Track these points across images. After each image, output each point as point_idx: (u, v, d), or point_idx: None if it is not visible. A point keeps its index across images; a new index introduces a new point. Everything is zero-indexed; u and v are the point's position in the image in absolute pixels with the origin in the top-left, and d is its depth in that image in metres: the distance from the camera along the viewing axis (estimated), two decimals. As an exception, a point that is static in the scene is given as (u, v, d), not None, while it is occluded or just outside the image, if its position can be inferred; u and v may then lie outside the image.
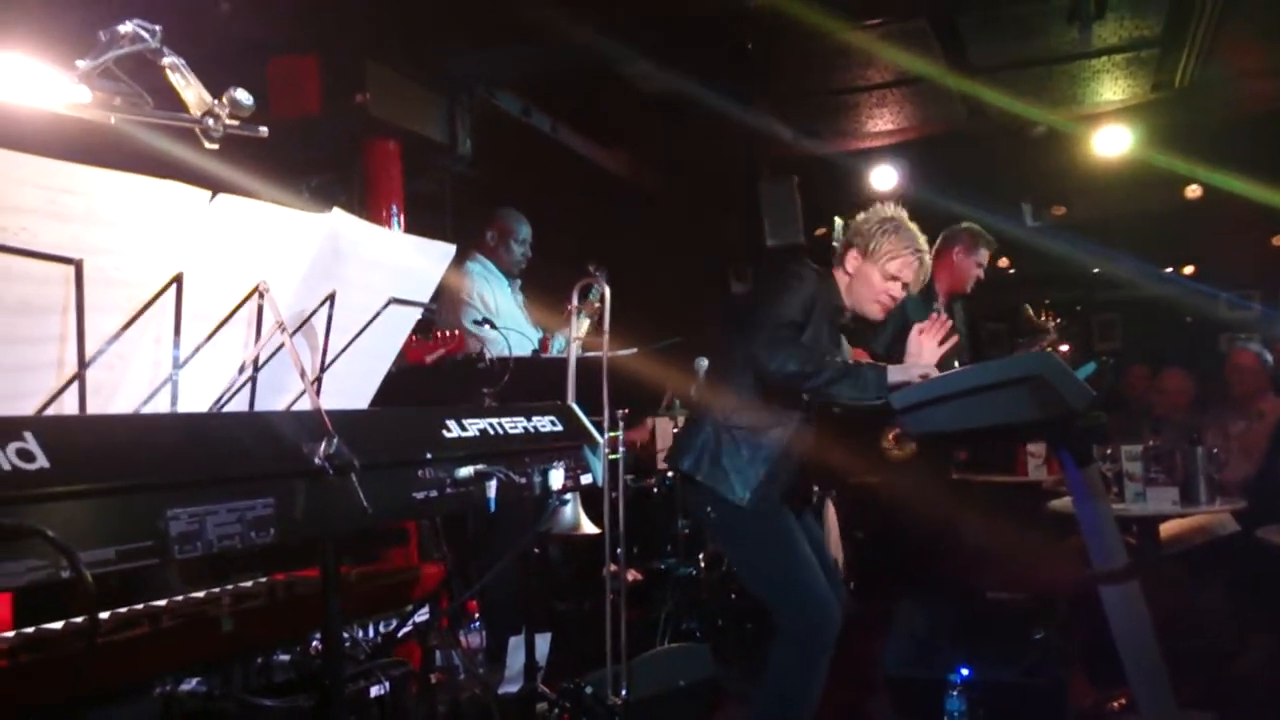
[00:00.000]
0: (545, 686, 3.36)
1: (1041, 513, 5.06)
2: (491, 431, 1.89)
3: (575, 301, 3.47)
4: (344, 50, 4.71)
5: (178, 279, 1.57)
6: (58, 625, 1.61)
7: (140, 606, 1.73)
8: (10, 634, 1.59)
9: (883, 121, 7.07)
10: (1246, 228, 8.79)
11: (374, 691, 1.87)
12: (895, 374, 3.09)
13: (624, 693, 3.35)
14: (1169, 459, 4.40)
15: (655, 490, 5.39)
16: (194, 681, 1.57)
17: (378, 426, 1.70)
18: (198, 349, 1.65)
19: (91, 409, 1.49)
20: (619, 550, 3.54)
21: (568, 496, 3.71)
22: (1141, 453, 4.41)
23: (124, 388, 1.59)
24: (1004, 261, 11.15)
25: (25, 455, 1.16)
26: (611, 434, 3.66)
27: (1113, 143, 6.97)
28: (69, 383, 1.46)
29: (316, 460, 1.46)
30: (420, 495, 1.66)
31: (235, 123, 1.55)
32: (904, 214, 3.40)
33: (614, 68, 5.67)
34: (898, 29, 5.39)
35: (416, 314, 2.00)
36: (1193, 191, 8.18)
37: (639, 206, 7.73)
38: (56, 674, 1.41)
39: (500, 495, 1.79)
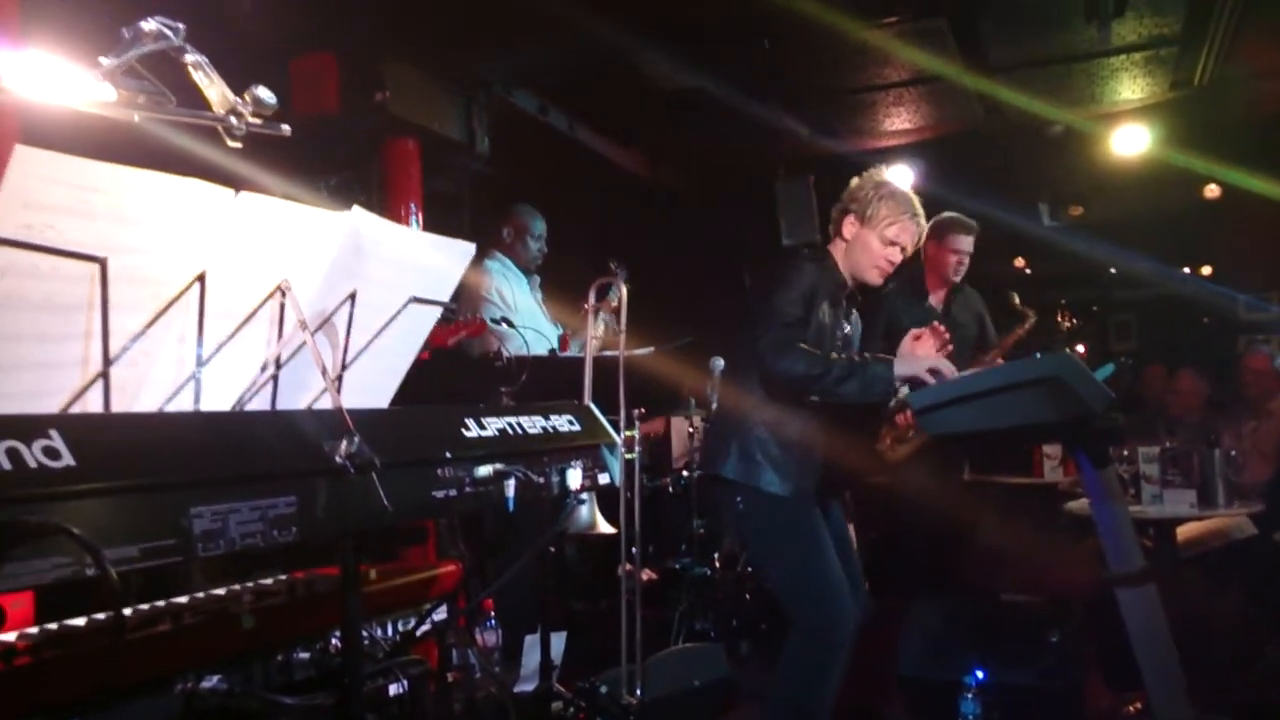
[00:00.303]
0: (560, 685, 3.37)
1: (1058, 514, 5.04)
2: (510, 431, 1.89)
3: (593, 300, 3.47)
4: (363, 49, 4.72)
5: (201, 277, 1.58)
6: (81, 621, 1.61)
7: (162, 603, 1.74)
8: (34, 630, 1.59)
9: (899, 120, 7.04)
10: (1265, 228, 8.72)
11: (392, 690, 1.88)
12: (901, 367, 3.07)
13: (639, 692, 3.35)
14: (1186, 461, 4.38)
15: (671, 490, 5.39)
16: (215, 678, 1.58)
17: (398, 425, 1.70)
18: (220, 347, 1.65)
19: (115, 407, 1.50)
20: (634, 550, 3.54)
21: (585, 496, 3.72)
22: (1158, 455, 4.39)
23: (147, 385, 1.59)
24: (1020, 261, 11.13)
25: (51, 453, 1.17)
26: (628, 433, 3.66)
27: (1131, 142, 6.93)
28: (93, 380, 1.47)
29: (338, 459, 1.46)
30: (440, 494, 1.67)
31: (258, 121, 1.55)
32: (890, 177, 3.41)
33: (631, 66, 5.67)
34: (915, 27, 5.37)
35: (436, 313, 2.00)
36: (1211, 191, 8.13)
37: (655, 205, 7.72)
38: (80, 670, 1.42)
39: (519, 494, 1.79)
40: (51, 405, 1.45)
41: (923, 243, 4.64)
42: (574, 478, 1.99)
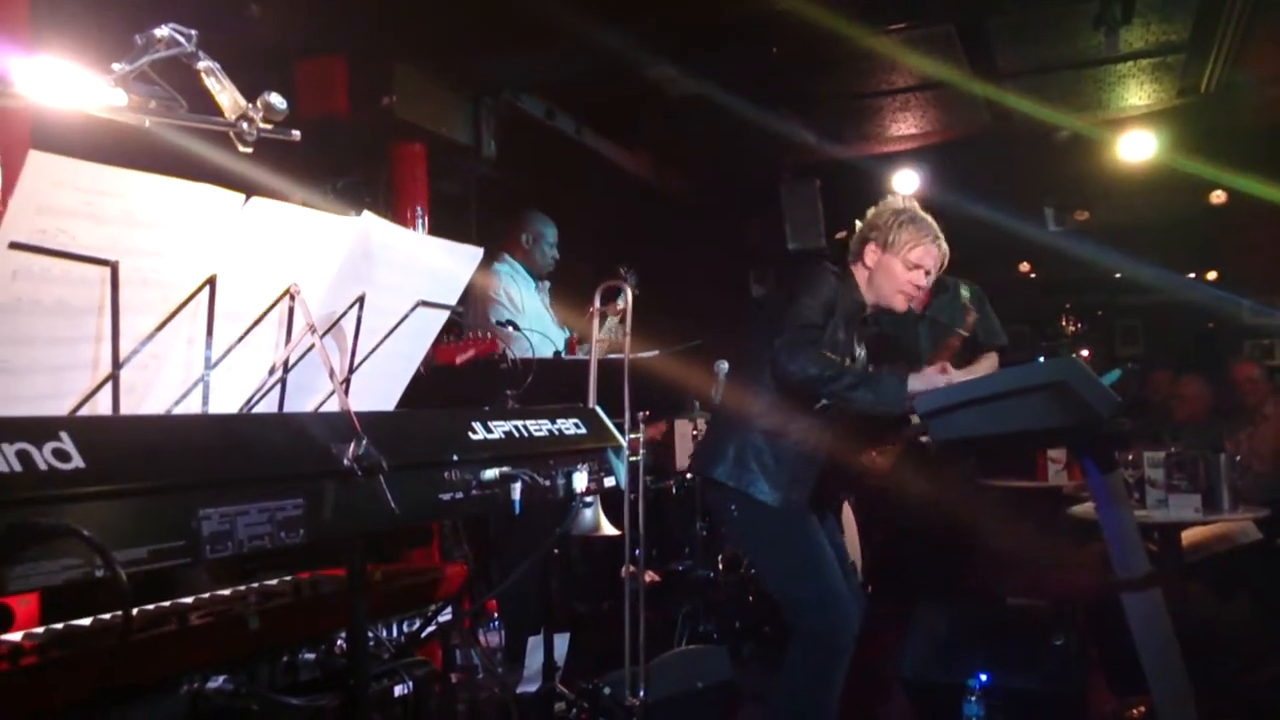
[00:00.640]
0: (563, 686, 3.37)
1: (1062, 518, 5.04)
2: (517, 434, 1.90)
3: (599, 304, 3.48)
4: (371, 53, 4.74)
5: (211, 281, 1.59)
6: (86, 622, 1.62)
7: (168, 604, 1.75)
8: (40, 630, 1.60)
9: (906, 125, 7.05)
10: (1271, 234, 8.73)
11: (398, 691, 1.88)
12: (916, 383, 3.08)
13: (641, 693, 3.35)
14: (1191, 466, 4.38)
15: (674, 492, 5.39)
16: (221, 679, 1.58)
17: (405, 428, 1.71)
18: (229, 350, 1.66)
19: (125, 409, 1.51)
20: (638, 552, 3.54)
21: (590, 498, 3.73)
22: (1163, 459, 4.39)
23: (156, 388, 1.60)
24: (1025, 266, 11.14)
25: (61, 455, 1.18)
26: (632, 436, 3.66)
27: (1137, 148, 6.93)
28: (103, 383, 1.48)
29: (345, 461, 1.47)
30: (447, 497, 1.67)
31: (269, 126, 1.57)
32: (915, 204, 3.38)
33: (638, 71, 5.68)
34: (922, 34, 5.38)
35: (444, 316, 2.01)
36: (1217, 197, 8.13)
37: (661, 209, 7.73)
38: (86, 671, 1.43)
39: (525, 497, 1.80)
40: (62, 408, 1.46)
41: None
42: (580, 480, 1.99)
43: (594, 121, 6.52)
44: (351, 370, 1.85)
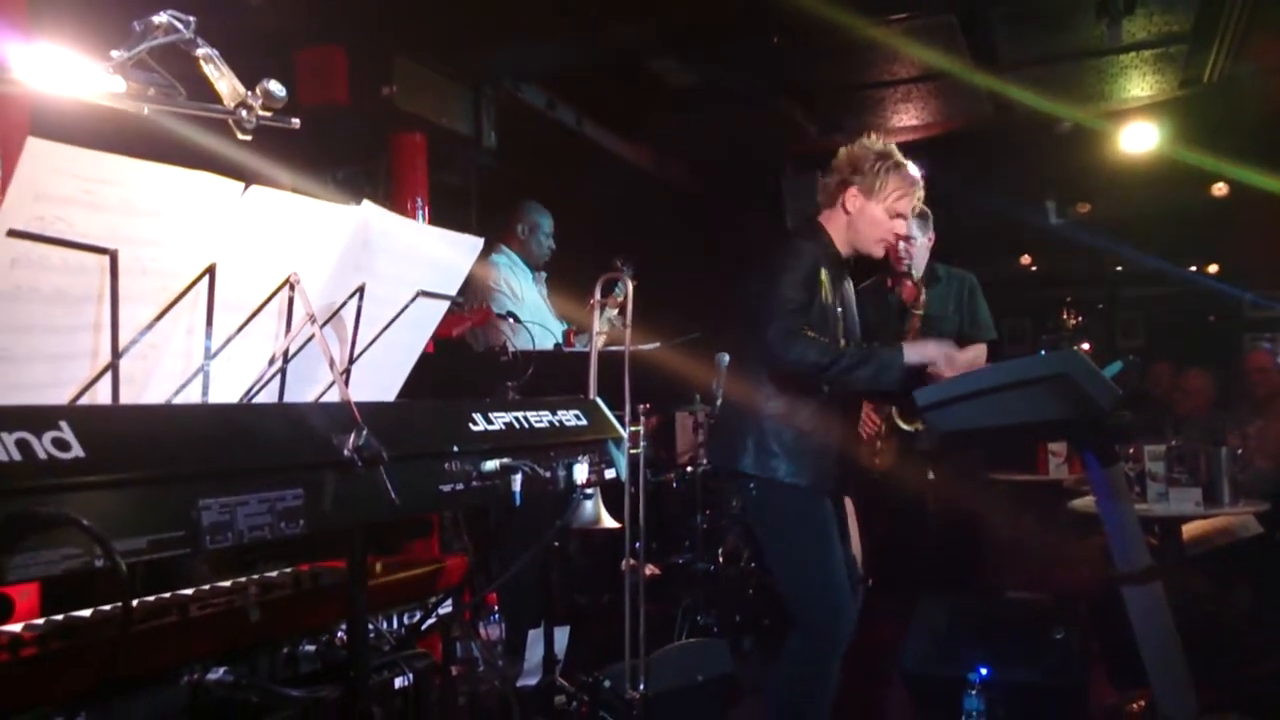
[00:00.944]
0: (564, 679, 3.38)
1: (1063, 512, 5.04)
2: (517, 425, 1.89)
3: (599, 296, 3.47)
4: (372, 43, 4.72)
5: (210, 270, 1.58)
6: (87, 613, 1.62)
7: (168, 595, 1.74)
8: (40, 621, 1.60)
9: (908, 116, 7.03)
10: (1273, 227, 8.71)
11: (398, 683, 1.88)
12: (911, 354, 3.07)
13: (642, 686, 3.36)
14: (1192, 460, 4.39)
15: (675, 485, 5.40)
16: (221, 670, 1.58)
17: (406, 419, 1.70)
18: (229, 340, 1.65)
19: (124, 399, 1.50)
20: (638, 545, 3.54)
21: (590, 491, 3.72)
22: (1164, 453, 4.40)
23: (156, 378, 1.59)
24: (1026, 259, 11.12)
25: (61, 444, 1.17)
26: (632, 428, 3.66)
27: (1139, 139, 6.91)
28: (102, 372, 1.47)
29: (346, 452, 1.46)
30: (447, 488, 1.67)
31: (268, 114, 1.56)
32: (893, 145, 3.29)
33: (639, 62, 5.67)
34: (924, 24, 5.36)
35: (444, 306, 2.00)
36: (1219, 189, 8.12)
37: (662, 200, 7.72)
38: (87, 662, 1.42)
39: (525, 489, 1.79)
40: (61, 397, 1.45)
41: None
42: (580, 472, 1.99)
43: (595, 112, 6.51)
44: (351, 360, 1.84)
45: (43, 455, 1.14)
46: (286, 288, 1.70)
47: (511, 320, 4.15)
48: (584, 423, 2.09)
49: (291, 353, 1.76)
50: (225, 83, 1.54)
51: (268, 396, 1.77)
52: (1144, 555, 3.03)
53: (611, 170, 7.10)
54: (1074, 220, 9.04)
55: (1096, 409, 2.74)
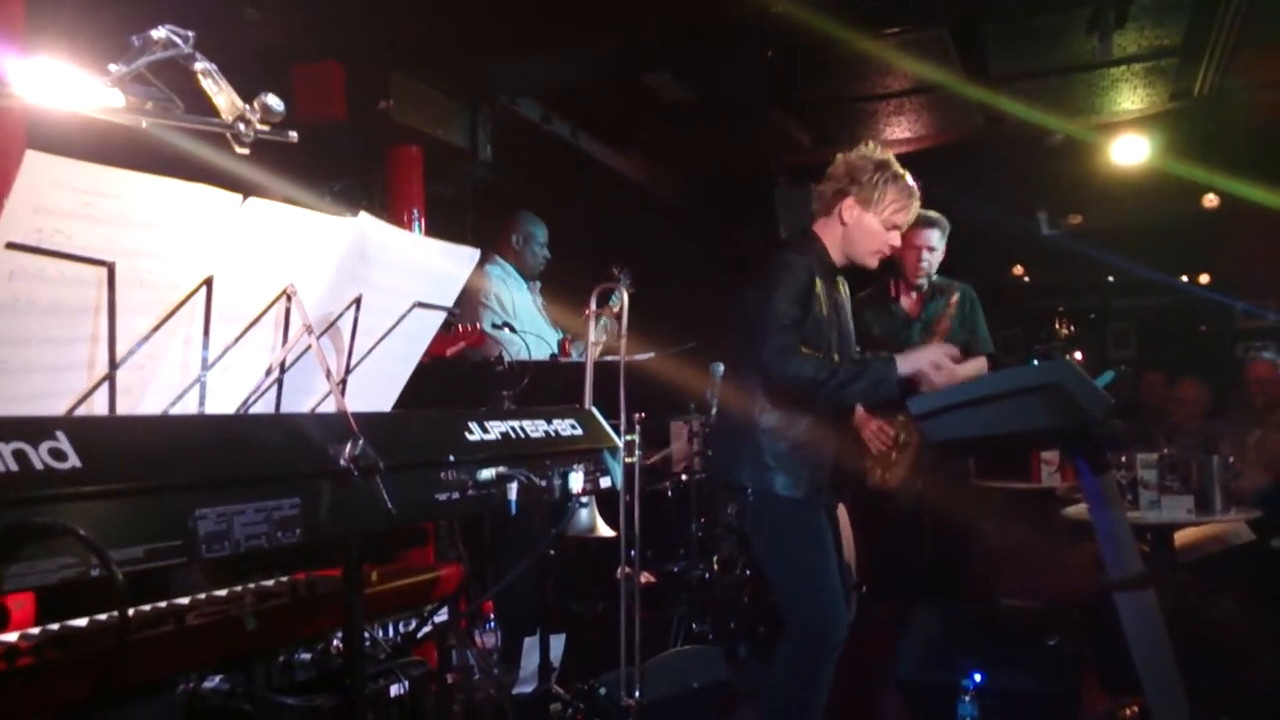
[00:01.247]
0: (559, 687, 3.39)
1: (1056, 519, 5.05)
2: (513, 434, 1.90)
3: (594, 305, 3.49)
4: (369, 57, 4.75)
5: (208, 282, 1.59)
6: (83, 622, 1.63)
7: (165, 605, 1.75)
8: (36, 631, 1.60)
9: (900, 129, 7.06)
10: (1262, 237, 8.76)
11: (394, 691, 1.89)
12: (905, 365, 3.08)
13: (637, 694, 3.36)
14: (1184, 468, 4.40)
15: (669, 493, 5.40)
16: (217, 679, 1.59)
17: (402, 429, 1.71)
18: (226, 351, 1.66)
19: (121, 409, 1.51)
20: (633, 553, 3.55)
21: (585, 499, 3.74)
22: (1156, 461, 4.42)
23: (153, 389, 1.61)
24: (1019, 269, 11.17)
25: (58, 454, 1.18)
26: (628, 438, 3.67)
27: (1130, 152, 6.95)
28: (99, 383, 1.48)
29: (342, 461, 1.47)
30: (443, 497, 1.68)
31: (266, 128, 1.57)
32: (890, 155, 3.27)
33: (634, 76, 5.70)
34: (916, 38, 5.39)
35: (441, 317, 2.02)
36: (1209, 201, 8.16)
37: (657, 211, 7.74)
38: (83, 671, 1.43)
39: (521, 498, 1.80)
40: (58, 407, 1.46)
41: None
42: (576, 481, 2.00)
43: (590, 125, 6.53)
44: (348, 371, 1.85)
45: (39, 465, 1.15)
46: (283, 299, 1.71)
47: (506, 329, 4.16)
48: (579, 432, 2.11)
49: (288, 363, 1.77)
50: (223, 97, 1.55)
51: (264, 407, 1.78)
52: (1136, 562, 3.04)
53: (606, 182, 7.12)
54: (1066, 231, 9.08)
55: (1088, 418, 2.76)
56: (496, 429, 1.86)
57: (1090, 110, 6.72)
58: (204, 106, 1.57)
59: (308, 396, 1.84)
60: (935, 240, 4.55)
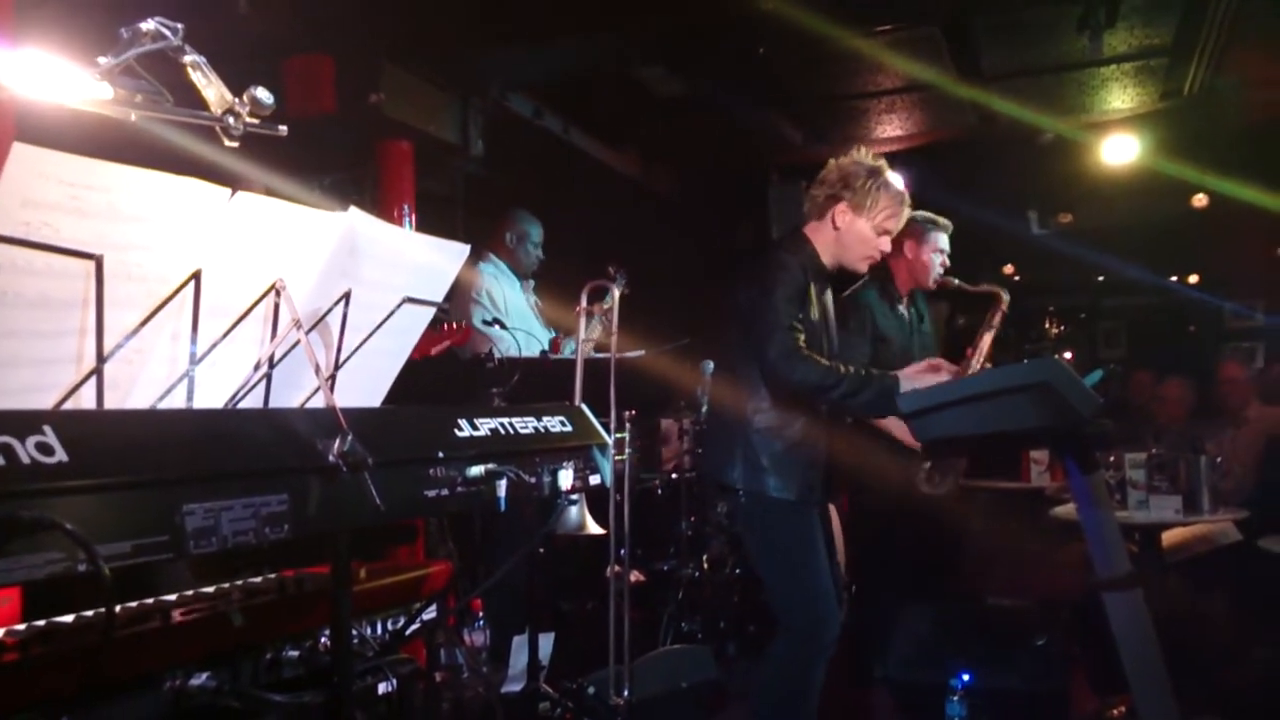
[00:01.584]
0: (548, 686, 3.38)
1: (1044, 519, 5.06)
2: (502, 431, 1.90)
3: (585, 303, 3.48)
4: (359, 51, 4.72)
5: (196, 276, 1.58)
6: (69, 618, 1.62)
7: (151, 601, 1.74)
8: (22, 627, 1.60)
9: (891, 127, 7.06)
10: (1251, 237, 8.81)
11: (381, 689, 1.88)
12: (906, 385, 3.08)
13: (626, 693, 3.36)
14: (1172, 468, 4.41)
15: (659, 491, 5.40)
16: (204, 676, 1.58)
17: (391, 424, 1.71)
18: (214, 345, 1.66)
19: (109, 403, 1.50)
20: (623, 551, 3.55)
21: (575, 497, 3.73)
22: (1144, 461, 4.43)
23: (141, 383, 1.60)
24: (1009, 268, 11.19)
25: (44, 449, 1.17)
26: (618, 435, 3.66)
27: (1120, 151, 6.96)
28: (87, 377, 1.47)
29: (330, 457, 1.47)
30: (432, 493, 1.67)
31: (255, 121, 1.56)
32: (882, 160, 3.28)
33: (626, 71, 5.69)
34: (907, 36, 5.40)
35: (430, 313, 2.01)
36: (1199, 200, 8.19)
37: (649, 208, 7.73)
38: (69, 667, 1.42)
39: (510, 495, 1.80)
40: (45, 401, 1.45)
41: (895, 241, 4.55)
42: (565, 478, 2.00)
43: (582, 121, 6.52)
44: (337, 366, 1.85)
45: (26, 459, 1.15)
46: (272, 293, 1.71)
47: (497, 326, 4.15)
48: (569, 429, 2.10)
49: (277, 358, 1.77)
50: (213, 90, 1.54)
51: (253, 402, 1.77)
52: (1124, 562, 3.05)
53: (598, 178, 7.11)
54: (1056, 230, 9.09)
55: (1077, 417, 2.76)
56: (486, 426, 1.86)
57: (1081, 109, 6.73)
58: (193, 99, 1.56)
59: (296, 392, 1.84)
60: (947, 244, 4.56)
